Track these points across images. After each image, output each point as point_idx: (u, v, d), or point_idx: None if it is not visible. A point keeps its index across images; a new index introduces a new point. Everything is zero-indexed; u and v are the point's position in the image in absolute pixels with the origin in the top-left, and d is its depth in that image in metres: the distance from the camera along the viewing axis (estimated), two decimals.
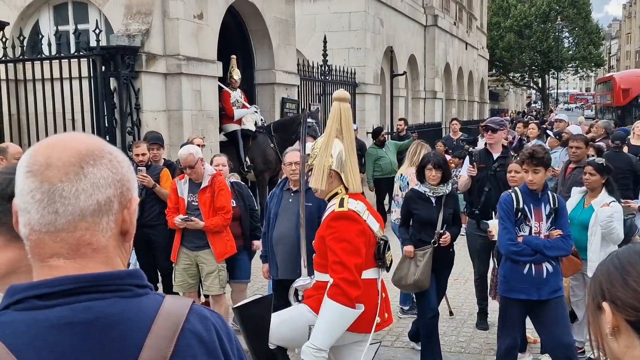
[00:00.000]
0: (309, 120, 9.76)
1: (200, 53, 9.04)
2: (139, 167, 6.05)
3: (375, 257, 3.28)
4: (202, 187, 5.47)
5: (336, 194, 3.33)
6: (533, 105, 71.68)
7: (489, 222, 5.46)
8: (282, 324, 3.39)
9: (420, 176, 5.31)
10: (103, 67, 7.91)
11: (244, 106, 10.08)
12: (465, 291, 7.13)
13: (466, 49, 29.24)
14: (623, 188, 6.37)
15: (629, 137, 8.61)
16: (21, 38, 8.24)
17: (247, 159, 9.90)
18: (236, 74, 10.03)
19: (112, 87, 8.01)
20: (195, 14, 8.94)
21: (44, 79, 8.14)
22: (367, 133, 14.77)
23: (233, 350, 1.22)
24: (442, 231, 5.20)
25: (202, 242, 5.48)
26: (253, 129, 10.14)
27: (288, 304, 3.74)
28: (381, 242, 3.29)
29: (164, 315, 1.12)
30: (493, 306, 6.43)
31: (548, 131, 11.72)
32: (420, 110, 22.64)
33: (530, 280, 4.37)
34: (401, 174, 7.04)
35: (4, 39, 8.10)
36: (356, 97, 15.71)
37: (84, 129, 8.11)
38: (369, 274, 3.26)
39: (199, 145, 6.93)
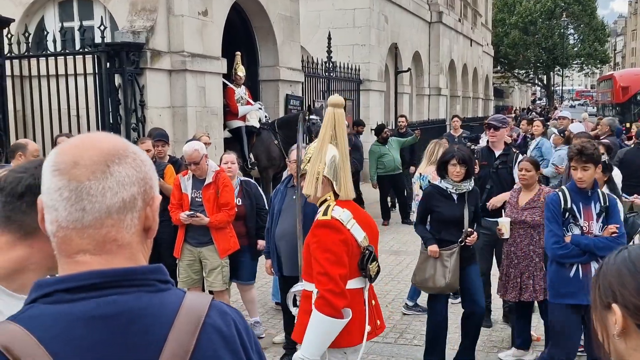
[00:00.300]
0: (312, 117, 9.78)
1: (205, 50, 9.05)
2: None
3: (359, 267, 3.21)
4: (206, 183, 5.48)
5: (325, 200, 3.27)
6: (538, 102, 71.51)
7: (499, 219, 5.41)
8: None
9: (442, 172, 5.01)
10: (108, 64, 7.94)
11: (248, 103, 10.09)
12: None
13: (471, 45, 29.19)
14: None
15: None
16: (26, 34, 8.27)
17: (251, 156, 9.92)
18: (241, 71, 10.04)
19: (116, 84, 8.04)
20: (200, 11, 8.95)
21: (49, 75, 8.17)
22: (371, 130, 14.77)
23: (251, 344, 1.25)
24: (470, 230, 4.95)
25: (205, 239, 5.49)
26: (257, 125, 10.15)
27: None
28: (366, 252, 3.21)
29: (186, 310, 1.15)
30: (496, 303, 6.45)
31: (552, 128, 11.69)
32: (425, 107, 22.61)
33: (578, 284, 4.15)
34: (420, 173, 7.07)
35: (9, 36, 8.13)
36: (360, 93, 15.71)
37: (88, 126, 8.14)
38: (353, 283, 3.20)
39: (205, 143, 6.96)
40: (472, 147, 6.37)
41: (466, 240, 4.93)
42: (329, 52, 13.65)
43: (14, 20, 7.35)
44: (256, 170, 10.03)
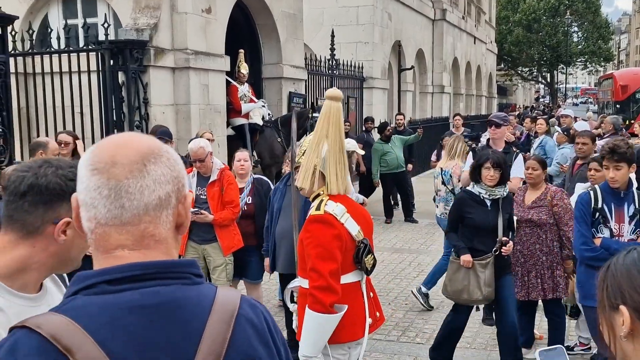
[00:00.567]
0: (315, 114, 9.79)
1: (208, 47, 9.05)
2: None
3: (354, 261, 3.19)
4: (210, 180, 5.48)
5: (318, 194, 3.24)
6: (541, 99, 71.32)
7: None
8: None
9: (475, 176, 4.79)
10: (111, 61, 7.94)
11: (251, 100, 10.10)
12: None
13: (474, 43, 29.13)
14: None
15: None
16: (30, 32, 8.28)
17: (254, 153, 9.92)
18: (244, 68, 10.04)
19: (120, 81, 8.05)
20: (204, 8, 8.95)
21: (53, 72, 8.19)
22: (374, 127, 14.74)
23: (279, 337, 1.32)
24: (505, 238, 4.73)
25: (209, 236, 5.49)
26: (260, 123, 10.16)
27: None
28: (361, 245, 3.18)
29: (220, 302, 1.21)
30: None
31: (556, 127, 11.68)
32: (428, 104, 22.59)
33: None
34: (441, 168, 7.09)
35: (13, 33, 8.14)
36: (363, 91, 15.69)
37: (92, 123, 8.16)
38: (350, 277, 3.19)
39: (207, 140, 6.97)
40: (473, 145, 6.34)
41: (502, 250, 4.70)
42: (332, 49, 13.64)
43: (17, 17, 7.34)
44: (259, 167, 10.04)
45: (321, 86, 13.15)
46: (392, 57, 18.80)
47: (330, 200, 3.19)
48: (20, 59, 8.52)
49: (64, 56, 8.07)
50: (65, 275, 1.87)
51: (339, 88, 13.69)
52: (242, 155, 5.92)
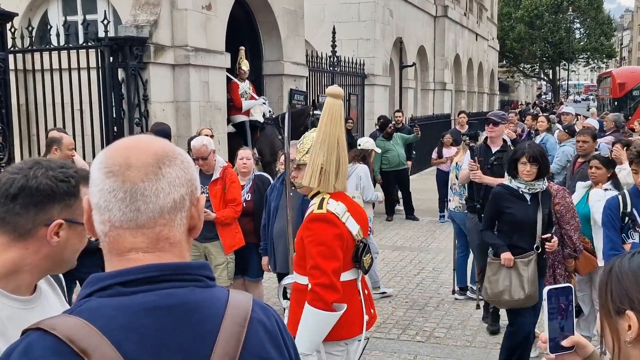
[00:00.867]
0: (317, 112, 9.75)
1: (209, 44, 9.02)
2: None
3: (353, 260, 3.19)
4: (213, 179, 5.46)
5: (318, 192, 3.23)
6: (543, 96, 71.19)
7: None
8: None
9: (512, 171, 4.62)
10: (111, 58, 7.92)
11: (252, 97, 10.07)
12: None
13: (476, 40, 29.07)
14: None
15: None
16: (30, 28, 8.25)
17: (255, 150, 9.89)
18: (245, 65, 10.01)
19: (120, 78, 8.02)
20: (204, 5, 8.92)
21: (52, 69, 8.16)
22: (375, 124, 14.72)
23: (290, 340, 1.32)
24: (548, 234, 4.56)
25: (211, 234, 5.47)
26: (261, 120, 10.13)
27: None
28: (360, 244, 3.19)
29: (233, 305, 1.21)
30: None
31: (557, 124, 11.64)
32: (430, 101, 22.55)
33: None
34: (456, 163, 7.09)
35: (12, 30, 8.11)
36: (365, 88, 15.66)
37: (92, 120, 8.13)
38: (347, 275, 3.19)
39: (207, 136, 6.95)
40: (471, 144, 6.29)
41: (546, 246, 4.53)
42: (334, 46, 13.60)
43: (17, 14, 7.32)
44: (260, 165, 10.01)
45: (322, 83, 13.12)
46: (393, 53, 18.76)
47: (331, 198, 3.18)
48: (19, 55, 8.49)
49: (64, 53, 8.04)
50: (61, 275, 1.85)
51: (340, 85, 13.68)
52: (244, 153, 5.90)
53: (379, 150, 7.41)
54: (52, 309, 1.65)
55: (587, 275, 5.31)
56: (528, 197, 4.58)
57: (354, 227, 3.18)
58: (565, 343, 1.57)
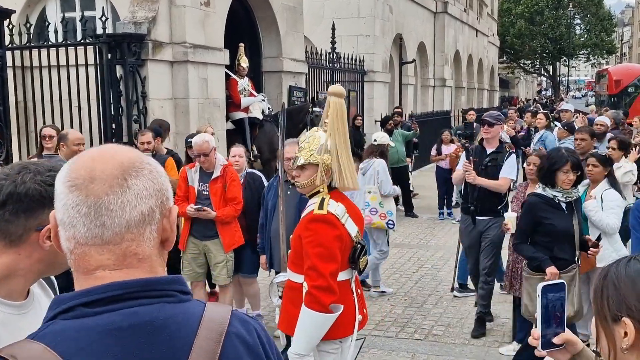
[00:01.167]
0: (316, 109, 9.74)
1: (207, 41, 8.99)
2: (145, 152, 6.07)
3: (349, 261, 3.19)
4: (213, 176, 5.44)
5: (318, 192, 3.22)
6: (544, 92, 71.10)
7: (505, 214, 5.34)
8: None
9: (550, 179, 4.37)
10: (109, 55, 7.89)
11: (251, 94, 10.05)
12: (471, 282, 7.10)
13: (476, 36, 29.02)
14: None
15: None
16: (28, 25, 8.23)
17: (254, 148, 9.88)
18: (244, 62, 9.98)
19: (118, 75, 8.00)
20: (202, 1, 8.89)
21: (50, 66, 8.13)
22: (376, 121, 14.71)
23: (273, 353, 1.26)
24: (595, 241, 4.40)
25: (211, 232, 5.47)
26: (260, 117, 10.11)
27: None
28: (358, 246, 3.18)
29: (209, 319, 1.15)
30: (500, 298, 6.42)
31: (556, 122, 11.61)
32: (429, 98, 22.53)
33: None
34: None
35: (10, 26, 8.09)
36: (364, 85, 15.63)
37: (90, 117, 8.11)
38: (342, 275, 3.19)
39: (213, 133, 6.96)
40: (467, 144, 6.23)
41: (590, 252, 4.35)
42: (333, 42, 13.57)
43: (14, 11, 7.30)
44: (259, 162, 10.00)
45: (322, 80, 13.09)
46: (393, 50, 18.72)
47: (331, 199, 3.18)
48: (17, 52, 8.47)
49: (62, 50, 8.02)
50: (53, 278, 1.84)
51: (339, 82, 13.65)
52: (237, 151, 5.89)
53: (393, 144, 7.40)
54: (45, 313, 1.64)
55: (585, 274, 5.29)
56: (564, 206, 4.39)
57: (352, 229, 3.18)
58: (555, 340, 1.58)
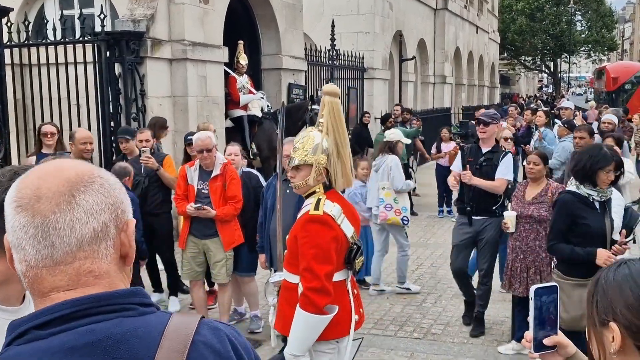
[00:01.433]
0: (315, 107, 9.72)
1: (206, 38, 8.98)
2: (143, 149, 6.07)
3: (345, 262, 3.18)
4: (213, 175, 5.43)
5: (314, 192, 3.21)
6: (545, 89, 71.05)
7: (505, 213, 5.31)
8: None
9: (590, 178, 4.18)
10: (108, 53, 7.90)
11: (250, 92, 10.04)
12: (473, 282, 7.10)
13: (477, 32, 28.99)
14: None
15: None
16: (26, 23, 8.22)
17: (253, 145, 9.87)
18: (243, 59, 9.97)
19: (117, 73, 7.99)
20: None
21: (49, 63, 8.13)
22: (376, 118, 14.69)
23: (251, 358, 1.21)
24: (625, 240, 4.25)
25: (210, 231, 5.46)
26: (259, 114, 10.10)
27: None
28: (354, 247, 3.17)
29: (172, 330, 1.10)
30: (499, 297, 6.41)
31: (556, 119, 11.60)
32: (430, 95, 22.50)
33: None
34: None
35: (8, 24, 8.07)
36: (364, 82, 15.62)
37: (89, 115, 8.11)
38: (337, 276, 3.18)
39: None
40: (462, 144, 6.19)
41: (613, 249, 4.14)
42: (333, 40, 13.55)
43: (12, 9, 7.28)
44: (258, 160, 9.99)
45: (321, 77, 13.08)
46: (393, 47, 18.69)
47: (327, 199, 3.16)
48: (16, 50, 8.46)
49: (60, 47, 8.03)
50: None
51: (339, 79, 13.65)
52: (232, 149, 5.89)
53: (406, 141, 7.39)
54: None
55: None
56: (597, 205, 4.23)
57: (348, 229, 3.16)
58: (546, 341, 1.57)
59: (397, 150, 7.37)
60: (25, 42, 8.32)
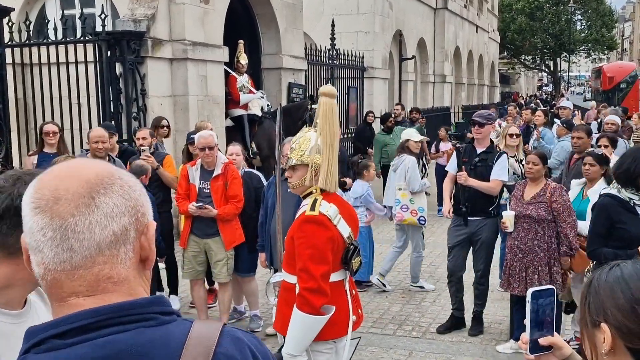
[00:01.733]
0: (314, 106, 9.73)
1: (207, 38, 9.01)
2: (142, 148, 6.11)
3: (342, 262, 3.18)
4: (214, 174, 5.46)
5: (311, 192, 3.22)
6: (544, 88, 71.00)
7: (503, 213, 5.34)
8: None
9: (634, 182, 4.07)
10: (109, 52, 7.92)
11: (250, 91, 10.06)
12: (469, 281, 7.12)
13: (476, 32, 28.99)
14: None
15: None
16: (27, 22, 8.24)
17: (253, 145, 9.90)
18: (243, 59, 9.99)
19: (117, 72, 8.02)
20: None
21: (50, 63, 8.16)
22: (375, 117, 14.71)
23: None
24: None
25: (211, 230, 5.49)
26: (259, 114, 10.12)
27: None
28: (350, 247, 3.18)
29: (194, 340, 1.07)
30: (497, 295, 6.45)
31: (555, 119, 11.61)
32: (429, 94, 22.52)
33: None
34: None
35: (10, 24, 8.10)
36: (364, 81, 15.63)
37: (89, 114, 8.14)
38: (335, 276, 3.19)
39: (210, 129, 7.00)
40: (457, 145, 6.21)
41: None
42: (333, 39, 13.57)
43: (13, 9, 7.32)
44: (258, 159, 10.02)
45: (321, 76, 13.10)
46: (393, 46, 18.71)
47: (324, 200, 3.17)
48: (17, 49, 8.49)
49: (61, 47, 8.05)
50: None
51: (339, 78, 13.66)
52: (233, 149, 5.92)
53: (417, 138, 7.40)
54: (43, 321, 1.65)
55: (582, 272, 5.31)
56: (638, 210, 4.09)
57: (345, 230, 3.17)
58: (541, 341, 1.59)
59: (410, 149, 7.40)
60: (27, 41, 8.35)
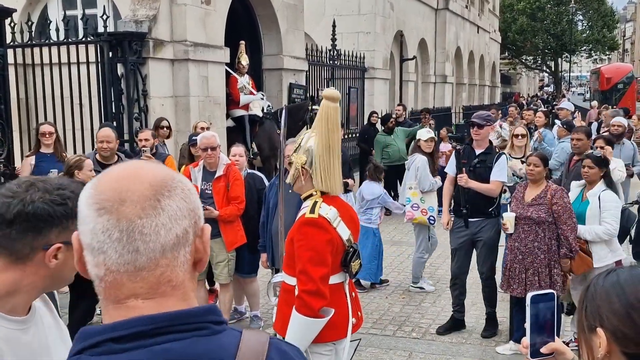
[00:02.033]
0: (315, 107, 9.75)
1: (208, 39, 9.03)
2: (143, 149, 6.13)
3: (342, 264, 3.19)
4: (216, 176, 5.48)
5: (311, 195, 3.22)
6: (546, 88, 70.91)
7: (504, 214, 5.35)
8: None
9: None
10: (110, 53, 7.94)
11: (251, 92, 10.08)
12: (469, 281, 7.14)
13: (478, 32, 28.99)
14: None
15: None
16: (29, 23, 8.27)
17: (254, 145, 9.92)
18: (244, 60, 10.01)
19: (119, 73, 8.04)
20: (203, 0, 8.92)
21: (52, 64, 8.18)
22: (379, 118, 14.72)
23: None
24: None
25: (213, 231, 5.42)
26: (260, 114, 10.14)
27: None
28: (350, 250, 3.18)
29: (245, 353, 1.08)
30: (498, 297, 6.46)
31: (556, 120, 11.62)
32: (430, 94, 22.52)
33: None
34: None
35: (12, 24, 8.12)
36: (365, 81, 15.65)
37: (91, 115, 8.16)
38: (334, 278, 3.20)
39: (202, 128, 7.02)
40: (457, 146, 6.24)
41: None
42: (334, 40, 13.58)
43: (15, 10, 7.34)
44: (258, 159, 10.04)
45: (322, 77, 13.11)
46: (394, 47, 18.72)
47: (324, 202, 3.18)
48: (19, 50, 8.51)
49: (63, 48, 8.07)
50: (54, 291, 1.84)
51: (340, 78, 13.67)
52: (237, 150, 5.93)
53: (426, 136, 7.44)
54: (47, 328, 1.65)
55: (581, 274, 5.33)
56: None
57: (344, 233, 3.17)
58: (543, 350, 1.59)
59: (422, 149, 7.45)
60: (29, 42, 8.37)
